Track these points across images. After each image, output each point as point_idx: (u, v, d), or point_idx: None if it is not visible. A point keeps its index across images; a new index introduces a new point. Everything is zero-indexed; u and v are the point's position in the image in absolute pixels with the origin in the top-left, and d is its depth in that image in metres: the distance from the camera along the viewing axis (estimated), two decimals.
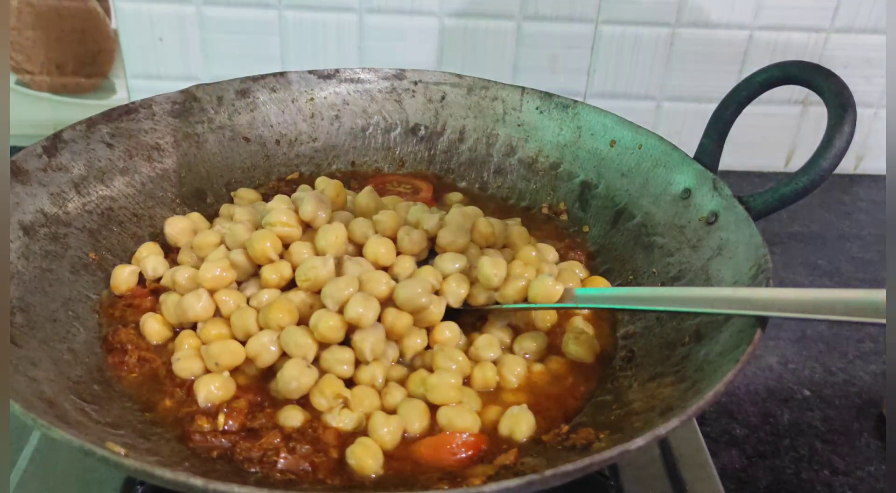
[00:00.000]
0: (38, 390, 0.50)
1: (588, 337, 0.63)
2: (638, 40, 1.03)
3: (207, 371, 0.57)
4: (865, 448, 0.70)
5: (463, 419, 0.54)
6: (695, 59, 1.05)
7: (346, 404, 0.55)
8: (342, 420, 0.54)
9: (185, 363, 0.57)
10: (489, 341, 0.61)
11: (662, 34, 1.03)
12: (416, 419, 0.54)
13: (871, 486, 0.66)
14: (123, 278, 0.65)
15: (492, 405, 0.57)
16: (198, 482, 0.40)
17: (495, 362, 0.60)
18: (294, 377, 0.54)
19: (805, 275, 0.94)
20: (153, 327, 0.61)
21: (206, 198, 0.77)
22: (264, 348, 0.57)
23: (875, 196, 1.11)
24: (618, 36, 1.03)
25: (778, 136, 1.12)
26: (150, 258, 0.66)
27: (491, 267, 0.60)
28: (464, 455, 0.52)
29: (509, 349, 0.62)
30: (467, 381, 0.58)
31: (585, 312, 0.66)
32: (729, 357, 0.50)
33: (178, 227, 0.68)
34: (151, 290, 0.65)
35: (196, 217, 0.71)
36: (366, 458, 0.51)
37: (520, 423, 0.54)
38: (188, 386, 0.56)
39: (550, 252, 0.71)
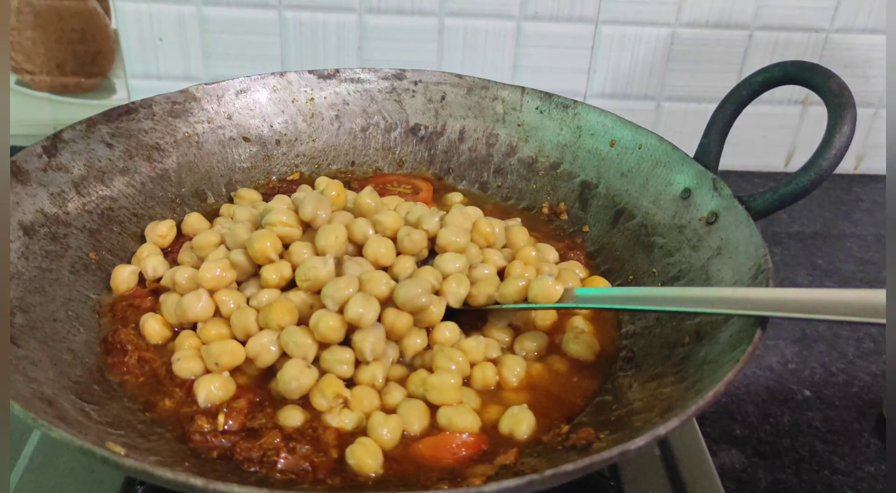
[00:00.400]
0: (38, 390, 0.50)
1: (588, 336, 0.63)
2: (638, 40, 1.03)
3: (207, 371, 0.57)
4: (865, 448, 0.70)
5: (463, 419, 0.54)
6: (695, 59, 1.05)
7: (346, 405, 0.55)
8: (342, 420, 0.54)
9: (185, 363, 0.57)
10: (489, 342, 0.61)
11: (662, 34, 1.03)
12: (416, 419, 0.54)
13: (871, 486, 0.66)
14: (123, 278, 0.65)
15: (492, 405, 0.57)
16: (198, 482, 0.40)
17: (495, 362, 0.60)
18: (294, 377, 0.54)
19: (805, 275, 0.94)
20: (153, 328, 0.61)
21: (206, 198, 0.77)
22: (264, 348, 0.57)
23: (875, 196, 1.11)
24: (618, 36, 1.03)
25: (778, 136, 1.12)
26: (150, 258, 0.66)
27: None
28: (464, 455, 0.52)
29: (509, 349, 0.62)
30: (467, 381, 0.58)
31: (585, 311, 0.66)
32: (729, 357, 0.50)
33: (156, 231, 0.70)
34: (151, 290, 0.65)
35: (196, 217, 0.71)
36: (366, 458, 0.51)
37: (520, 423, 0.54)
38: (188, 386, 0.56)
39: (550, 252, 0.71)
